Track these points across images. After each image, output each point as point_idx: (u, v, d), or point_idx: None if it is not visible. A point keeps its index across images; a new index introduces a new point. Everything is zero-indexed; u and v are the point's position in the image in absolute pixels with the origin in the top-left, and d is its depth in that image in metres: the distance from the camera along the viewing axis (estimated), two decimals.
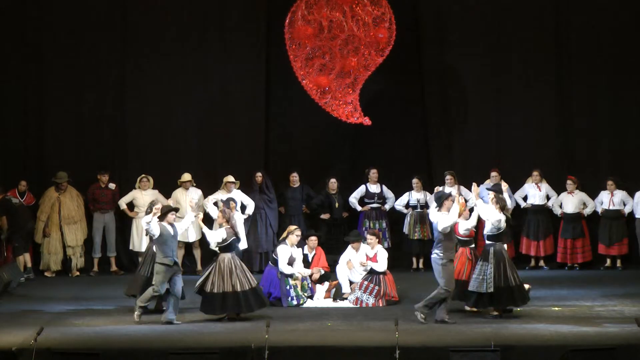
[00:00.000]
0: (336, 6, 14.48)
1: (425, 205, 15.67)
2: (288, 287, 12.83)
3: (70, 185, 15.65)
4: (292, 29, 14.54)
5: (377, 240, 13.15)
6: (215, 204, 15.01)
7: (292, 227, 13.25)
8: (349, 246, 13.39)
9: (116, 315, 11.97)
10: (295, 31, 14.51)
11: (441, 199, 11.56)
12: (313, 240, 13.48)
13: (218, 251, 11.94)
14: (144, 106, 16.37)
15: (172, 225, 11.70)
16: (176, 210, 12.07)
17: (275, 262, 12.98)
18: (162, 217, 11.66)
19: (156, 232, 11.56)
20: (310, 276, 13.21)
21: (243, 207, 15.67)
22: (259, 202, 15.65)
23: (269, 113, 16.61)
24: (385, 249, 13.79)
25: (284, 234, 13.20)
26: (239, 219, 12.33)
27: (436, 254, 11.53)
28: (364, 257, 13.04)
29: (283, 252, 12.93)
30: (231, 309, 11.67)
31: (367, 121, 14.89)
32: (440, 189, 12.70)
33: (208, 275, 11.77)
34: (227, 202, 13.54)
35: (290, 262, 12.92)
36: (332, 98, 14.68)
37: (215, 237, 11.89)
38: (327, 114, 15.11)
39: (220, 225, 12.01)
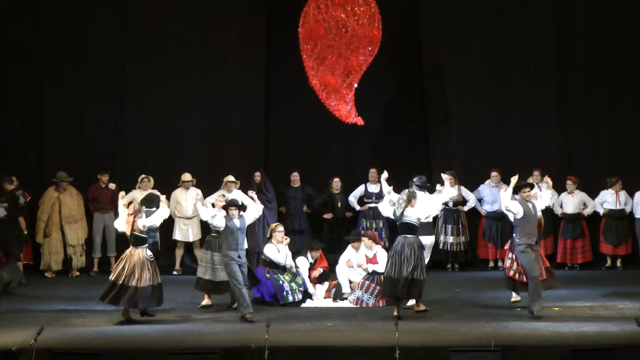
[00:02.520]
0: (339, 6, 14.50)
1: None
2: (281, 282, 12.82)
3: (69, 185, 15.64)
4: (304, 28, 14.55)
5: (374, 240, 13.14)
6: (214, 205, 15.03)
7: (273, 225, 13.28)
8: (349, 246, 13.42)
9: (116, 315, 11.94)
10: (306, 31, 14.52)
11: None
12: (318, 252, 13.51)
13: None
14: (145, 106, 16.37)
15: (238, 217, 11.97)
16: (237, 205, 12.16)
17: (265, 263, 12.99)
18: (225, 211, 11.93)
19: (222, 224, 11.78)
20: (309, 277, 13.24)
21: (243, 207, 15.65)
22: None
23: (269, 113, 16.61)
24: (386, 249, 13.78)
25: (268, 234, 13.24)
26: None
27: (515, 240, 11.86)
28: (363, 258, 13.05)
29: (270, 251, 12.97)
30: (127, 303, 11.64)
31: (360, 121, 14.90)
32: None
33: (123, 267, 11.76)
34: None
35: (278, 259, 12.98)
36: (335, 98, 14.71)
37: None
38: (327, 113, 15.13)
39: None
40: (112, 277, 11.76)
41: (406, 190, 12.00)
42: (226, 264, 11.90)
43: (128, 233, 11.87)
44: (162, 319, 11.83)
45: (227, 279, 12.06)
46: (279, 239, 13.06)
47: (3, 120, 16.26)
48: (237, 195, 15.27)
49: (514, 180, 12.17)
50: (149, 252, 11.82)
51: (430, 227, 13.07)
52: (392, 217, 11.99)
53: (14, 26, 16.18)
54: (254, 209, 12.40)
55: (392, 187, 12.30)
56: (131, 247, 11.83)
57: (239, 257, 11.87)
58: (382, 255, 12.95)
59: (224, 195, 13.29)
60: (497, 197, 15.38)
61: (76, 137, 16.27)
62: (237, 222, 11.99)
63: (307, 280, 13.18)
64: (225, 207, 12.06)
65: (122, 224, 11.98)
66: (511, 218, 12.16)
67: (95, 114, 16.30)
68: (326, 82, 14.55)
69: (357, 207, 16.00)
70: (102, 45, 16.28)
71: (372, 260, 12.97)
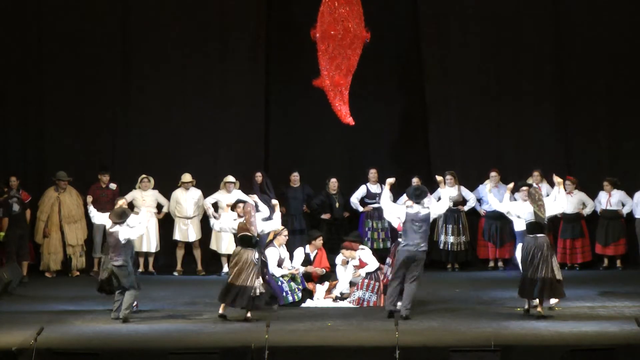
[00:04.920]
0: (344, 5, 14.54)
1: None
2: (280, 283, 12.80)
3: (69, 185, 15.65)
4: (321, 29, 14.54)
5: (351, 249, 13.07)
6: (214, 204, 15.04)
7: (279, 228, 13.23)
8: (342, 250, 13.38)
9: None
10: (322, 31, 14.52)
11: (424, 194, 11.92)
12: (320, 240, 13.44)
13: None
14: (145, 106, 16.37)
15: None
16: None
17: (264, 264, 12.94)
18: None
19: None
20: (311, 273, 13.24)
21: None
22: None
23: (269, 113, 16.62)
24: (388, 249, 13.79)
25: (271, 236, 13.18)
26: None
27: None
28: (352, 268, 13.05)
29: (272, 254, 12.90)
30: (238, 303, 11.64)
31: (351, 121, 14.92)
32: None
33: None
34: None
35: (279, 264, 12.91)
36: (339, 99, 14.73)
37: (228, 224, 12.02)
38: (326, 113, 15.15)
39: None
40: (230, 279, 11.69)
41: (532, 190, 11.92)
42: (130, 272, 11.71)
43: (241, 234, 11.79)
44: (162, 319, 11.83)
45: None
46: (281, 241, 13.03)
47: (3, 120, 16.27)
48: (237, 195, 15.28)
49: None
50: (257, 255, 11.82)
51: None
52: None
53: (15, 26, 16.18)
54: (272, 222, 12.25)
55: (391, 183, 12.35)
56: (241, 249, 11.78)
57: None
58: (367, 255, 12.96)
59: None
60: (497, 197, 15.38)
61: (76, 137, 16.26)
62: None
63: (299, 265, 13.16)
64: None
65: (231, 224, 11.94)
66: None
67: (95, 113, 16.29)
68: (335, 82, 14.58)
69: (360, 209, 15.99)
70: (102, 46, 16.27)
71: (361, 265, 12.95)
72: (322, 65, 14.59)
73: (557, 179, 12.12)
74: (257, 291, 11.59)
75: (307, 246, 13.50)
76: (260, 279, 11.72)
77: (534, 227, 11.72)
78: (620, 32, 16.28)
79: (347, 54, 14.54)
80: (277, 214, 12.22)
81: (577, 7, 16.41)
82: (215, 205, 15.32)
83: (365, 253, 13.04)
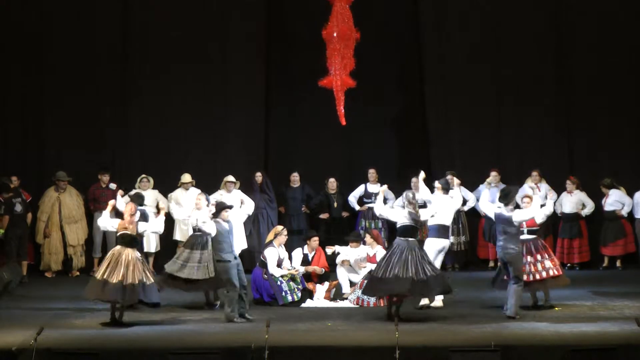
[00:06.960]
0: (345, 7, 14.56)
1: (424, 206, 15.65)
2: (279, 283, 12.82)
3: (69, 185, 15.66)
4: (337, 29, 14.54)
5: (376, 240, 13.13)
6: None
7: (279, 228, 13.25)
8: (348, 245, 13.41)
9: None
10: (339, 30, 14.53)
11: (509, 195, 11.88)
12: (315, 240, 13.48)
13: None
14: (145, 106, 16.37)
15: (227, 221, 11.76)
16: (230, 207, 11.98)
17: (263, 264, 12.96)
18: (216, 215, 11.72)
19: (212, 231, 11.62)
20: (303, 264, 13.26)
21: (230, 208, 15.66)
22: (259, 202, 15.66)
23: (269, 113, 16.62)
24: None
25: (271, 236, 13.17)
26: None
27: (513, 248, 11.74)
28: (364, 254, 13.06)
29: (271, 254, 12.91)
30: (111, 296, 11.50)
31: (344, 122, 14.94)
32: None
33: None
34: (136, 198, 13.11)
35: (279, 264, 12.92)
36: (342, 99, 14.75)
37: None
38: (326, 114, 15.16)
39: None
40: (98, 275, 11.57)
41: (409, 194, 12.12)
42: (227, 268, 11.69)
43: (121, 232, 11.73)
44: (162, 319, 11.83)
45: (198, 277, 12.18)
46: (281, 241, 13.04)
47: (3, 120, 16.27)
48: (237, 195, 15.30)
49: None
50: (138, 253, 11.73)
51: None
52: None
53: (15, 26, 16.18)
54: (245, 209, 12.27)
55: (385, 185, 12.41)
56: (120, 247, 11.67)
57: (235, 258, 11.80)
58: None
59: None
60: (496, 197, 15.39)
61: (76, 137, 16.26)
62: (226, 225, 11.78)
63: (299, 266, 13.18)
64: (217, 211, 11.84)
65: (111, 222, 11.85)
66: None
67: (95, 114, 16.30)
68: (346, 82, 14.60)
69: (357, 207, 16.01)
70: (103, 46, 16.28)
71: (372, 259, 12.96)
72: (335, 66, 14.58)
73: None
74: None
75: (305, 246, 13.51)
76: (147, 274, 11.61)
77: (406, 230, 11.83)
78: (620, 32, 16.28)
79: (350, 53, 14.57)
80: (160, 219, 11.98)
81: (577, 7, 16.42)
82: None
83: (382, 252, 13.02)
